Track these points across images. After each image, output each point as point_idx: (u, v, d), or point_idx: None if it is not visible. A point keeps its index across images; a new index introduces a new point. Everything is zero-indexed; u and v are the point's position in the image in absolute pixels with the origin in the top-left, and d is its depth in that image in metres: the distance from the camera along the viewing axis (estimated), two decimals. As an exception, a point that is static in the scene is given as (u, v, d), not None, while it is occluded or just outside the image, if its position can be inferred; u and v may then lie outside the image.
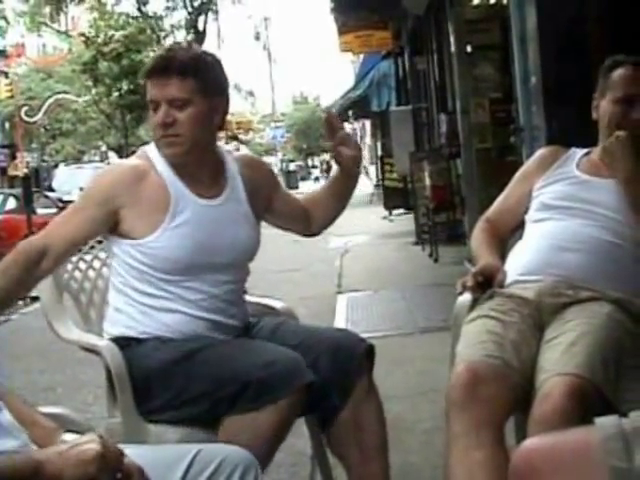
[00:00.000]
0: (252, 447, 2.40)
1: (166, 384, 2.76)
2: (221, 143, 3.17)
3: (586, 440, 1.69)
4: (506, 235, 3.23)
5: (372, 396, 2.91)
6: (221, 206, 2.93)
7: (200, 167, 2.92)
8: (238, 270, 2.99)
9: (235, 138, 16.78)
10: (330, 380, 2.78)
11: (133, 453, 1.81)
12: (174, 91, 2.79)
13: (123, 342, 2.85)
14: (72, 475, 1.65)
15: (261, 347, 2.77)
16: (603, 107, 3.06)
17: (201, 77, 2.82)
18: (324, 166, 74.11)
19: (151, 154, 2.92)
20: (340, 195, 3.16)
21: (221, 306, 2.89)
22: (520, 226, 3.19)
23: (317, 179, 68.58)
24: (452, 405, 2.54)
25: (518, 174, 3.31)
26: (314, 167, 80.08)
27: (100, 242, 3.24)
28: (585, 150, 3.18)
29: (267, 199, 3.09)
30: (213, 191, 2.93)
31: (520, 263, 2.99)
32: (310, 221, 3.20)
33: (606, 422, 1.71)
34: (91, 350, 2.94)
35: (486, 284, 2.95)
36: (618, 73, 3.03)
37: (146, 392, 2.79)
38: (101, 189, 2.87)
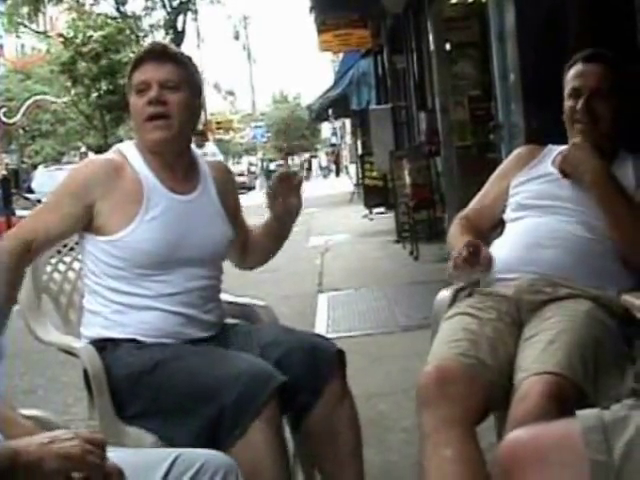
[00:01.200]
0: (263, 466, 2.48)
1: (135, 393, 2.75)
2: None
3: (568, 432, 1.71)
4: (483, 232, 3.24)
5: (345, 401, 2.90)
6: (194, 202, 2.95)
7: (176, 161, 2.95)
8: (213, 266, 3.00)
9: (203, 134, 16.72)
10: (301, 377, 2.77)
11: (112, 456, 1.80)
12: (169, 73, 2.86)
13: (99, 344, 2.84)
14: (51, 466, 1.63)
15: (225, 358, 2.73)
16: (564, 103, 3.10)
17: (191, 72, 2.94)
18: (305, 165, 74.28)
19: (125, 150, 2.95)
20: (274, 237, 3.19)
21: (197, 301, 2.90)
22: (497, 225, 3.20)
23: None
24: (421, 404, 2.55)
25: (495, 173, 3.33)
26: (294, 166, 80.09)
27: (78, 244, 3.23)
28: (561, 147, 3.19)
29: (231, 204, 3.11)
30: (186, 187, 2.96)
31: (498, 261, 2.99)
32: (246, 255, 3.23)
33: (587, 414, 1.73)
34: (69, 352, 2.93)
35: (475, 260, 2.93)
36: (572, 69, 3.09)
37: (120, 397, 2.78)
38: (77, 184, 2.88)
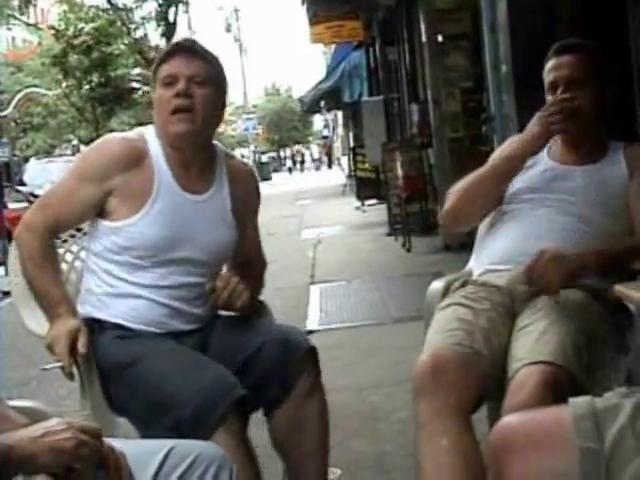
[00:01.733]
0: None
1: (115, 383, 2.78)
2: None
3: (559, 419, 1.72)
4: None
5: (315, 397, 2.86)
6: (204, 203, 2.94)
7: (194, 158, 2.94)
8: (212, 266, 2.99)
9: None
10: (272, 369, 2.78)
11: (105, 446, 1.80)
12: (197, 68, 2.87)
13: (89, 324, 2.84)
14: (44, 461, 1.63)
15: (191, 367, 2.69)
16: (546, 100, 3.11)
17: (217, 70, 2.95)
18: (298, 157, 74.21)
19: (148, 137, 2.94)
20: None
21: (187, 295, 2.90)
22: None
23: (290, 170, 68.67)
24: (417, 393, 2.55)
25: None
26: (286, 158, 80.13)
27: (72, 236, 3.23)
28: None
29: (242, 214, 3.05)
30: (199, 186, 2.95)
31: (491, 252, 3.00)
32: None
33: (579, 402, 1.74)
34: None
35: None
36: (547, 65, 3.09)
37: (106, 386, 2.80)
38: (100, 166, 2.87)
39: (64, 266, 3.23)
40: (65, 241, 3.24)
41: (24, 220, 2.91)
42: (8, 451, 1.61)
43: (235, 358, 2.78)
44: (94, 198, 2.86)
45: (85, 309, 2.93)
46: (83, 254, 3.19)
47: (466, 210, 3.11)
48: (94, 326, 2.85)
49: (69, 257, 3.27)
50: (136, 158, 2.87)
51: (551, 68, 3.06)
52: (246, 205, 3.08)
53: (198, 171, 2.96)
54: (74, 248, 3.24)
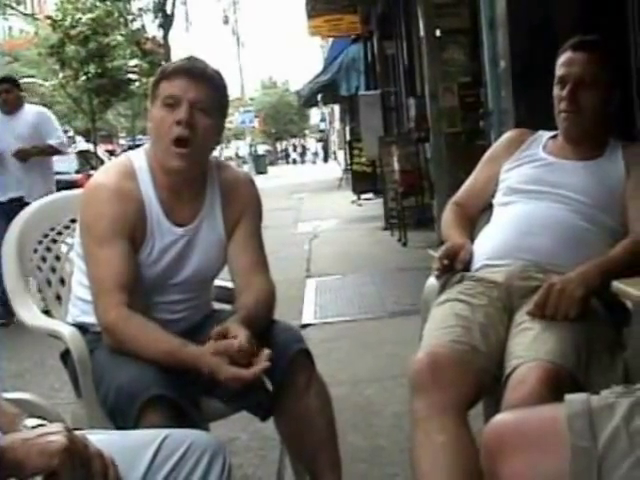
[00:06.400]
0: None
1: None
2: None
3: (554, 417, 1.71)
4: (475, 216, 3.24)
5: (311, 391, 2.80)
6: (194, 231, 2.88)
7: (185, 185, 2.87)
8: (201, 284, 2.99)
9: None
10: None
11: (99, 439, 1.79)
12: (202, 94, 2.74)
13: (80, 327, 2.85)
14: (34, 464, 1.61)
15: (121, 367, 2.66)
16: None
17: (222, 96, 2.85)
18: (299, 149, 74.59)
19: (136, 164, 2.86)
20: None
21: (175, 308, 2.91)
22: (488, 208, 3.19)
23: (295, 161, 69.12)
24: (414, 390, 2.53)
25: (485, 157, 3.32)
26: (282, 151, 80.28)
27: (67, 227, 3.22)
28: (552, 133, 3.19)
29: (240, 225, 2.97)
30: (190, 213, 2.89)
31: (488, 248, 2.98)
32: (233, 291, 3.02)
33: (574, 399, 1.72)
34: (56, 336, 2.92)
35: (452, 266, 2.97)
36: (561, 57, 3.07)
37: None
38: (108, 228, 2.74)
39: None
40: (60, 233, 3.23)
41: (104, 324, 2.71)
42: (0, 454, 1.61)
43: None
44: (128, 249, 2.75)
45: (74, 312, 2.97)
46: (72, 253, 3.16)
47: None
48: (84, 328, 2.87)
49: (64, 248, 3.26)
50: (130, 201, 2.78)
51: (564, 63, 3.03)
52: (243, 215, 2.97)
53: (191, 196, 2.89)
54: (69, 240, 3.23)
